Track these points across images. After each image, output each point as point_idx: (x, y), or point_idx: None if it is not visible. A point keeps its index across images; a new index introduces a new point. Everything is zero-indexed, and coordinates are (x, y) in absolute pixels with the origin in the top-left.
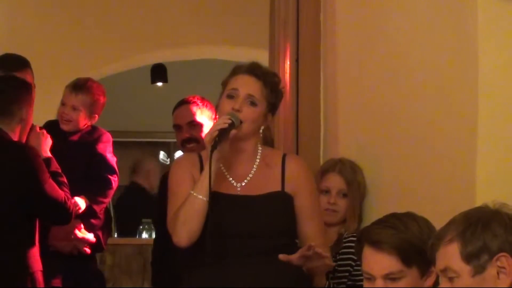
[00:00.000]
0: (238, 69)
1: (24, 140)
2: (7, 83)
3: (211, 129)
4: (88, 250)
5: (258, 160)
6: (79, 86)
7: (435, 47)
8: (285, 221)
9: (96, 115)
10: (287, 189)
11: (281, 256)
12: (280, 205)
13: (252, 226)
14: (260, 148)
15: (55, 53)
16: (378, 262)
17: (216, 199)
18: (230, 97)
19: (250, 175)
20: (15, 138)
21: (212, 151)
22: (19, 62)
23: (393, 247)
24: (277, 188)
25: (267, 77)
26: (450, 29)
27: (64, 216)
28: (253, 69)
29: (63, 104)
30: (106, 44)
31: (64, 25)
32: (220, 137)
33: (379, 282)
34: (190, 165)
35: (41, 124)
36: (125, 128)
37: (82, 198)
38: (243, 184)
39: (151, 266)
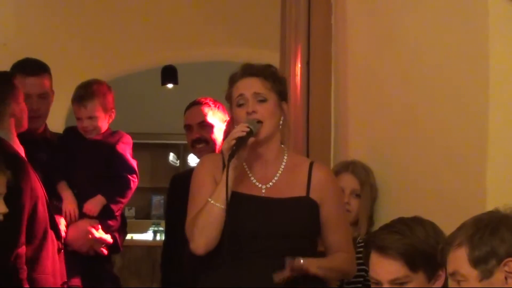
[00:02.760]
0: (234, 78)
1: (26, 126)
2: None
3: (229, 137)
4: (105, 251)
5: (284, 164)
6: (83, 96)
7: (445, 49)
8: (308, 226)
9: (113, 109)
10: (312, 195)
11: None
12: (304, 209)
13: (275, 228)
14: (286, 151)
15: (65, 55)
16: (384, 268)
17: (239, 199)
18: (240, 105)
19: (276, 178)
20: (13, 136)
21: (229, 160)
22: (37, 67)
23: (399, 252)
24: (302, 193)
25: (264, 71)
26: (460, 30)
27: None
28: (248, 70)
29: (78, 119)
30: (116, 45)
31: (74, 26)
32: (238, 145)
33: None
34: (213, 166)
35: (50, 127)
36: (135, 130)
37: (97, 201)
38: (268, 186)
39: (161, 268)
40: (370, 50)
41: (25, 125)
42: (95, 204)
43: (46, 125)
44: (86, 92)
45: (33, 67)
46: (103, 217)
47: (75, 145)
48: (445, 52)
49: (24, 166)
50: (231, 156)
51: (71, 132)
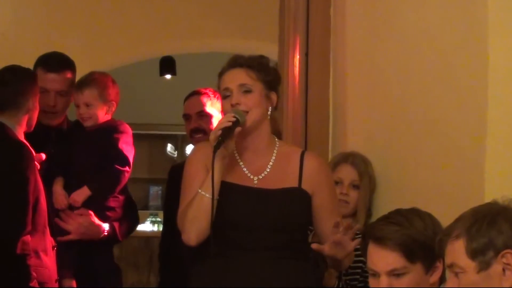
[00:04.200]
0: (222, 70)
1: (32, 128)
2: (13, 75)
3: (215, 127)
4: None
5: (275, 154)
6: (82, 82)
7: (444, 41)
8: (300, 217)
9: (113, 102)
10: (304, 186)
11: (314, 246)
12: (296, 201)
13: (267, 220)
14: (277, 142)
15: (63, 45)
16: (382, 259)
17: (231, 190)
18: (226, 97)
19: (268, 169)
20: (21, 130)
21: (215, 151)
22: (60, 63)
23: (397, 243)
24: (294, 184)
25: (250, 62)
26: (460, 22)
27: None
28: (235, 61)
29: (76, 106)
30: (115, 36)
31: (72, 17)
32: (224, 136)
33: (384, 279)
34: (205, 156)
35: None
36: (133, 121)
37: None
38: (260, 177)
39: (159, 259)
40: (369, 41)
41: (31, 127)
42: (78, 195)
43: (65, 118)
44: (86, 80)
45: (55, 63)
46: (93, 209)
47: (77, 136)
48: (444, 44)
49: (30, 156)
50: (216, 147)
51: (77, 124)
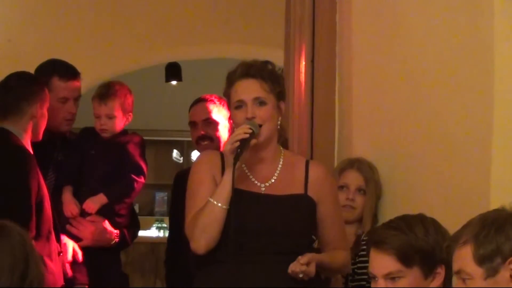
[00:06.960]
0: (232, 77)
1: (40, 137)
2: (18, 80)
3: (230, 139)
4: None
5: (281, 163)
6: (104, 94)
7: (450, 47)
8: (307, 223)
9: (130, 112)
10: (310, 193)
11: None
12: (303, 207)
13: (275, 225)
14: (282, 151)
15: (69, 52)
16: (379, 262)
17: (239, 196)
18: (239, 108)
19: (275, 177)
20: (27, 137)
21: (235, 163)
22: (74, 71)
23: (392, 247)
24: (300, 190)
25: (262, 72)
26: (465, 28)
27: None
28: (247, 71)
29: (97, 117)
30: (121, 42)
31: (78, 23)
32: (242, 147)
33: (381, 282)
34: (211, 164)
35: None
36: (139, 127)
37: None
38: (267, 184)
39: (165, 265)
40: (374, 48)
41: (39, 135)
42: (94, 202)
43: None
44: (108, 91)
45: (71, 71)
46: (105, 216)
47: (88, 144)
48: (450, 50)
49: (32, 161)
50: (236, 159)
51: (86, 131)
